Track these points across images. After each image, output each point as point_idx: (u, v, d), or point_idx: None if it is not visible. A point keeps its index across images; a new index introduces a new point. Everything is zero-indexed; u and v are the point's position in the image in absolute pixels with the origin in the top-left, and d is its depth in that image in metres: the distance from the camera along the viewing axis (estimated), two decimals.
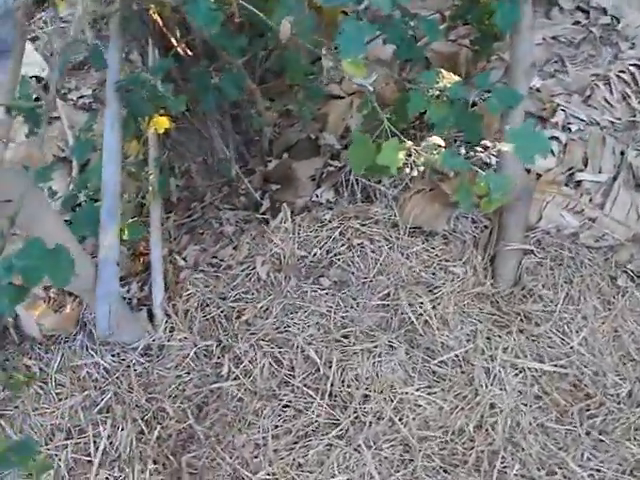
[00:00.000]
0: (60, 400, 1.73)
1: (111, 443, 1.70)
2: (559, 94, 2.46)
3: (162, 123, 2.05)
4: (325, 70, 2.09)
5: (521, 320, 2.06)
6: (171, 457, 1.72)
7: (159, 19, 1.90)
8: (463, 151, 1.52)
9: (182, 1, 1.52)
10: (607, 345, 2.04)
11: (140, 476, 1.65)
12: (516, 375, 1.97)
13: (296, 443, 1.80)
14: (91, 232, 1.81)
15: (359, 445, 1.81)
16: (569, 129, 2.37)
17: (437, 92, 1.92)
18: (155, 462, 1.69)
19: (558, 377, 1.95)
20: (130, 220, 1.94)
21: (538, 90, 2.48)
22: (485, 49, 2.30)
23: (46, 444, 1.68)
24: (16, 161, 2.08)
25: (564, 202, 2.23)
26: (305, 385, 1.86)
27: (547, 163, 2.30)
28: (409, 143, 1.53)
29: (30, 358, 1.78)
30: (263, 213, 2.28)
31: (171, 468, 1.70)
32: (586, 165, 2.31)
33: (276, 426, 1.81)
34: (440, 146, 1.58)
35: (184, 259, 2.10)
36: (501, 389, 1.94)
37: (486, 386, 1.93)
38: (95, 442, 1.70)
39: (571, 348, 2.02)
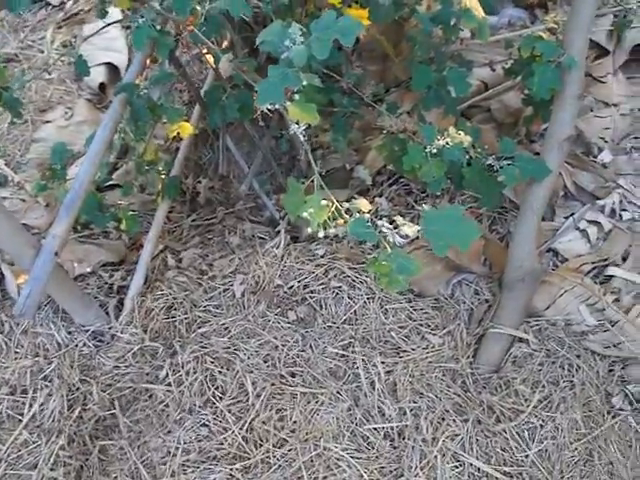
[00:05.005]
0: (16, 359, 1.92)
1: (42, 410, 1.85)
2: (626, 174, 2.16)
3: (186, 129, 2.16)
4: None
5: (483, 410, 1.87)
6: (87, 438, 1.84)
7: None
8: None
9: None
10: (573, 468, 1.78)
11: (50, 447, 1.79)
12: (454, 468, 1.80)
13: (203, 462, 1.82)
14: None
15: None
16: (620, 216, 2.08)
17: (435, 150, 1.81)
18: (71, 439, 1.82)
19: None
20: (130, 213, 2.07)
21: (605, 166, 2.20)
22: (539, 111, 2.09)
23: None
24: None
25: (585, 295, 1.97)
26: (229, 411, 1.86)
27: (578, 248, 2.05)
28: (332, 202, 1.47)
29: (7, 315, 2.00)
30: (278, 232, 2.30)
31: (82, 448, 1.83)
32: (625, 260, 2.02)
33: (190, 441, 1.85)
34: (362, 211, 1.49)
35: (179, 260, 2.19)
36: (430, 477, 1.79)
37: (414, 469, 1.79)
38: (31, 405, 1.86)
39: (526, 457, 1.80)
